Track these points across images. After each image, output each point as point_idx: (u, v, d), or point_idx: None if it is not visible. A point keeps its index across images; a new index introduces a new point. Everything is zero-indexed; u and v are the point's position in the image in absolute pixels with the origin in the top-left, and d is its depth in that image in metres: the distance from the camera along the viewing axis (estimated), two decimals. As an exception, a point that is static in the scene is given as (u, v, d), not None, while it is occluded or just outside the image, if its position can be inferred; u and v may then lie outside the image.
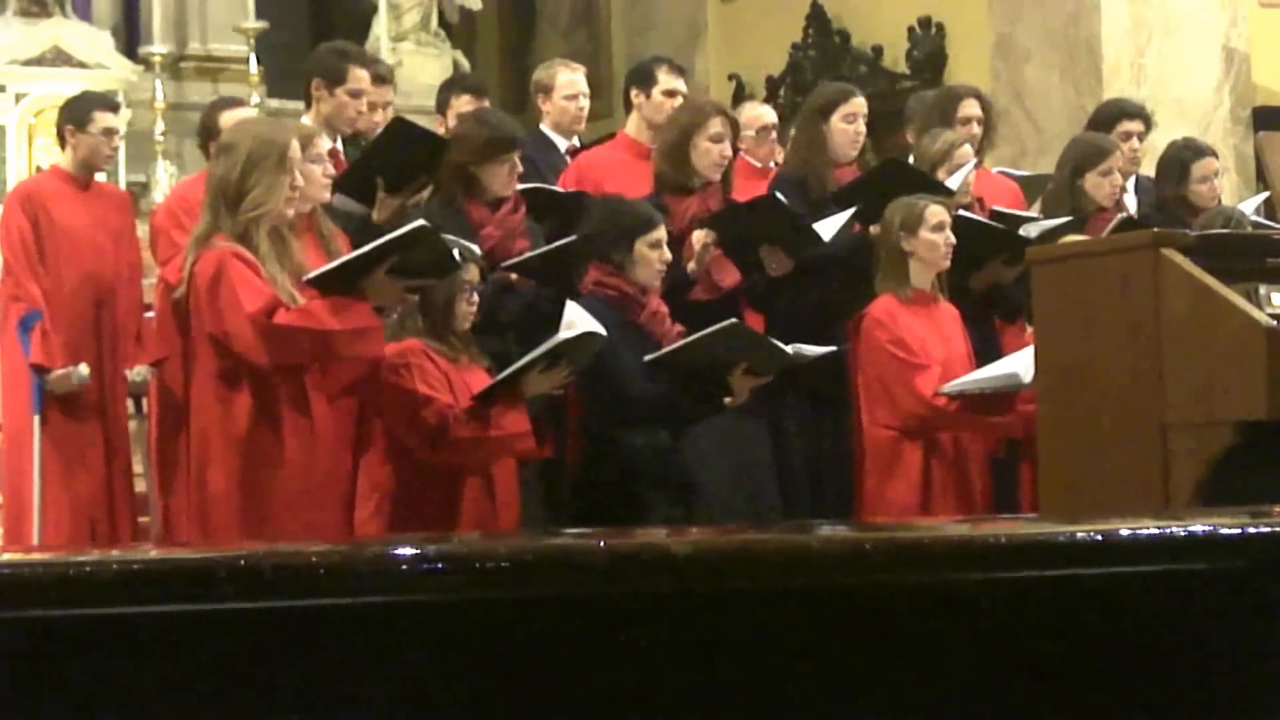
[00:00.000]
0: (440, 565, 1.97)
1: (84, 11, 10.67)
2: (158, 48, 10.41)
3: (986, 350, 5.97)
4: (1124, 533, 2.20)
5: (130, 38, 10.89)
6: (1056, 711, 2.15)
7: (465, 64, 11.20)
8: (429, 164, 5.70)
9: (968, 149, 6.47)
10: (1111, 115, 7.16)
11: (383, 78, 6.77)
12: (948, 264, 5.90)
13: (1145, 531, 2.21)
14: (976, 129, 6.85)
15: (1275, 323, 4.41)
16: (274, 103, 9.80)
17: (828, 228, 5.88)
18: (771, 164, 6.83)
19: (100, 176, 7.23)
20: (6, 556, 2.44)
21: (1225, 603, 2.21)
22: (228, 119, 6.28)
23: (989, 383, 5.66)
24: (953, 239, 5.86)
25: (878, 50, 10.69)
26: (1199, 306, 4.46)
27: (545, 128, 6.89)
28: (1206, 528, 2.21)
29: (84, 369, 6.66)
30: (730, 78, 11.35)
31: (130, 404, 7.11)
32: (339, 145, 5.97)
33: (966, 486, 5.81)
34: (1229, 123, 9.00)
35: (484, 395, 4.97)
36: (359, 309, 4.69)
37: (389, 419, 5.01)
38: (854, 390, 5.95)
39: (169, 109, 10.30)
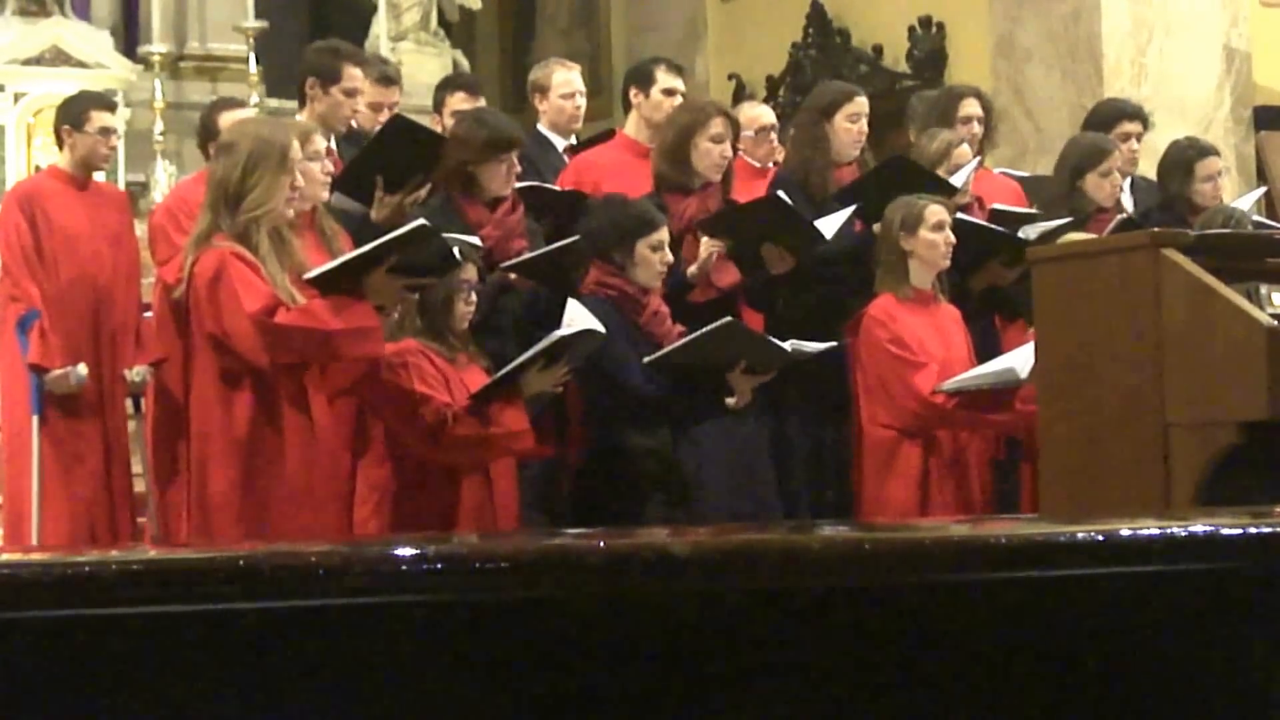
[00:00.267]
0: (440, 565, 1.97)
1: (83, 11, 10.67)
2: (157, 47, 10.41)
3: (988, 350, 5.98)
4: (1124, 533, 2.20)
5: (129, 37, 10.89)
6: (1057, 712, 2.14)
7: (465, 63, 11.20)
8: (428, 163, 5.70)
9: (966, 148, 6.47)
10: (1110, 116, 7.16)
11: (389, 78, 6.78)
12: (948, 263, 5.91)
13: (1146, 532, 2.20)
14: (977, 128, 6.86)
15: (1276, 323, 4.41)
16: (273, 102, 9.79)
17: (829, 225, 5.88)
18: (770, 164, 6.82)
19: (99, 176, 7.23)
20: (5, 557, 2.43)
21: (1226, 603, 2.20)
22: (227, 120, 6.28)
23: (986, 380, 5.67)
24: (953, 238, 5.86)
25: (878, 50, 10.69)
26: (1199, 306, 4.46)
27: (542, 127, 6.90)
28: (1207, 528, 2.21)
29: (82, 369, 6.66)
30: (730, 77, 11.35)
31: (129, 404, 7.10)
32: (332, 144, 5.96)
33: (965, 486, 5.81)
34: (1230, 122, 9.00)
35: (482, 394, 4.97)
36: (359, 308, 4.68)
37: (387, 418, 5.01)
38: (853, 390, 5.95)
39: (168, 109, 10.29)
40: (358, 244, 4.98)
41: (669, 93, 6.68)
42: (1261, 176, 8.89)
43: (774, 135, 6.88)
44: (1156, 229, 5.25)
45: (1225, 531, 2.21)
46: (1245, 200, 7.10)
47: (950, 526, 3.13)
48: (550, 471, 5.64)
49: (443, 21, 11.43)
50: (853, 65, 10.68)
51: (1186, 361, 4.47)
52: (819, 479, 6.12)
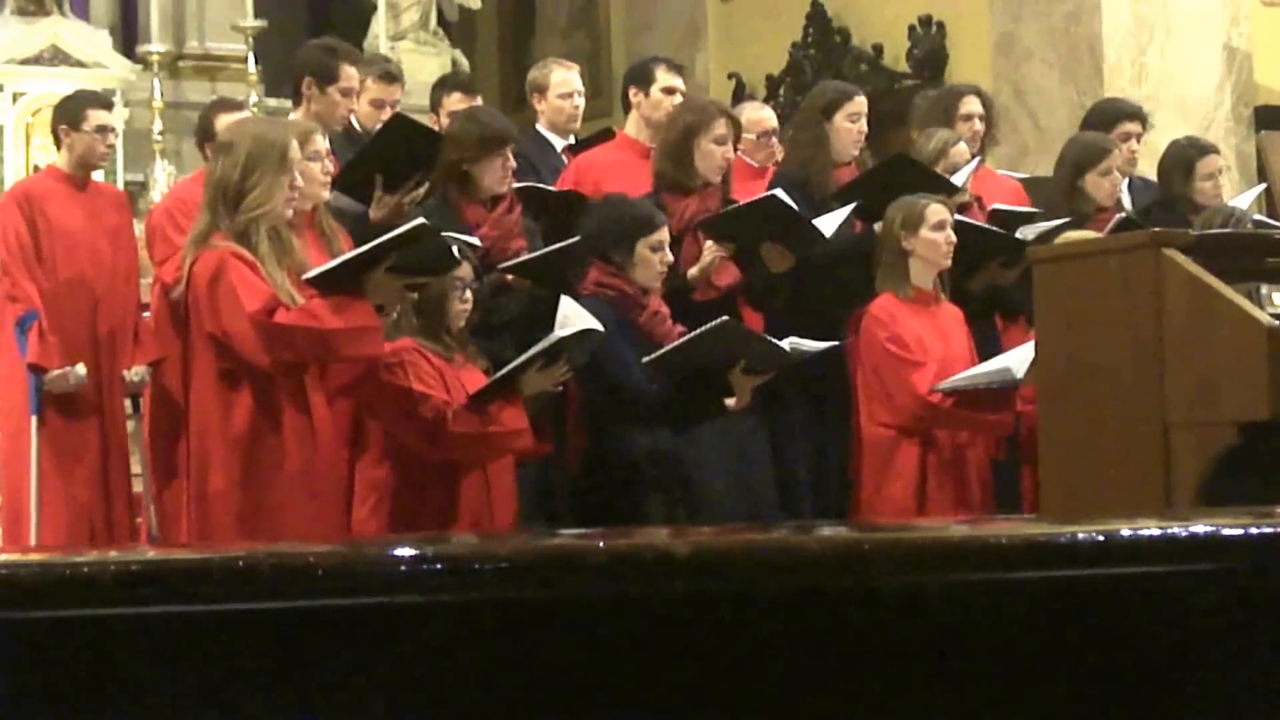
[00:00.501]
0: (439, 566, 1.97)
1: (82, 10, 10.67)
2: (156, 46, 10.40)
3: (990, 351, 5.97)
4: (1125, 533, 2.19)
5: (128, 36, 10.89)
6: (1057, 713, 2.14)
7: (464, 63, 11.19)
8: (427, 162, 5.70)
9: (963, 147, 6.47)
10: (1109, 116, 7.16)
11: (391, 75, 6.79)
12: (949, 263, 5.91)
13: (1146, 532, 2.20)
14: (979, 125, 6.86)
15: (1276, 322, 4.41)
16: (272, 102, 9.79)
17: (828, 223, 5.87)
18: (770, 165, 6.82)
19: (98, 176, 7.22)
20: (4, 557, 2.44)
21: (1227, 603, 2.20)
22: (225, 121, 6.28)
23: (982, 379, 5.67)
24: (954, 238, 5.86)
25: (878, 49, 10.68)
26: (1200, 306, 4.46)
27: (541, 127, 6.90)
28: (1208, 528, 2.21)
29: (81, 369, 6.65)
30: (730, 77, 11.34)
31: (128, 404, 7.09)
32: (327, 143, 5.95)
33: (964, 486, 5.81)
34: (1230, 122, 9.00)
35: (481, 393, 4.97)
36: (359, 308, 4.68)
37: (385, 418, 5.01)
38: (853, 390, 5.95)
39: (167, 108, 10.29)
40: (356, 244, 4.97)
41: (669, 91, 6.68)
42: (1262, 176, 8.89)
43: (775, 138, 6.88)
44: (1157, 229, 5.25)
45: (1226, 532, 2.21)
46: (1244, 198, 7.10)
47: (950, 527, 3.12)
48: (549, 471, 5.64)
49: (442, 21, 11.42)
50: (853, 65, 10.68)
51: (1187, 361, 4.47)
52: (819, 479, 6.12)
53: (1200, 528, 2.21)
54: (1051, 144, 7.90)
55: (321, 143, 5.17)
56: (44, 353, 6.63)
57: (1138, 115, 7.18)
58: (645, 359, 5.33)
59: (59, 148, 6.99)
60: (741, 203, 6.04)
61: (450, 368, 5.02)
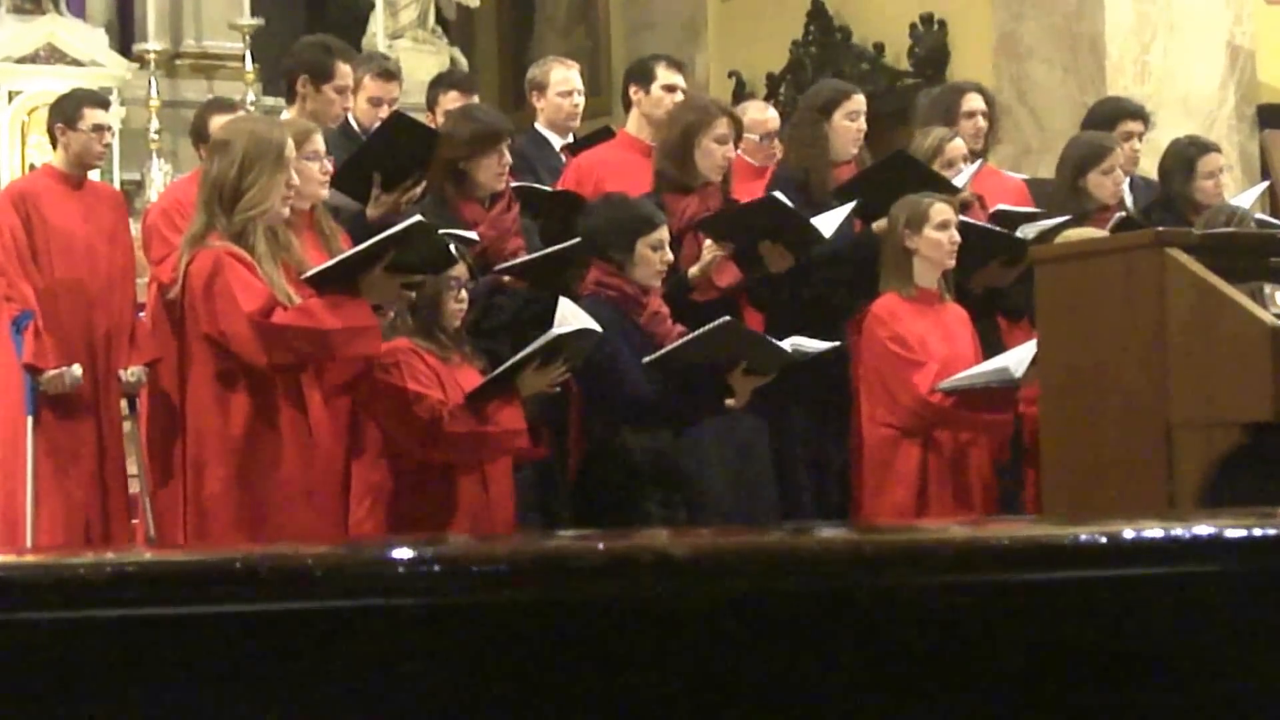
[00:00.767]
0: (437, 567, 1.96)
1: (78, 8, 10.66)
2: (152, 45, 10.39)
3: (993, 351, 5.96)
4: (1128, 535, 2.18)
5: (125, 35, 10.88)
6: (1059, 715, 2.12)
7: (463, 61, 11.20)
8: (426, 161, 5.69)
9: (959, 143, 6.47)
10: (1111, 114, 7.18)
11: (390, 73, 6.78)
12: (953, 262, 5.91)
13: (1149, 533, 2.19)
14: (981, 123, 6.86)
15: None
16: (269, 100, 9.78)
17: (828, 223, 5.86)
18: (770, 164, 6.81)
19: (94, 175, 7.21)
20: (0, 559, 2.44)
21: (1231, 605, 2.19)
22: (219, 122, 6.26)
23: (981, 378, 5.68)
24: (958, 237, 5.86)
25: (879, 47, 10.69)
26: (1203, 306, 4.46)
27: (540, 125, 6.90)
28: (1212, 530, 2.20)
29: (77, 370, 6.64)
30: (730, 75, 11.35)
31: (124, 405, 7.08)
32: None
33: (966, 487, 5.81)
34: (1234, 120, 9.00)
35: (479, 392, 4.95)
36: (357, 307, 4.69)
37: (381, 418, 5.01)
38: (855, 390, 5.94)
39: (164, 106, 10.28)
40: (355, 243, 4.97)
41: (669, 89, 6.68)
42: (1265, 174, 8.89)
43: (776, 139, 6.88)
44: (1160, 228, 5.25)
45: (1229, 533, 2.20)
46: (1247, 196, 7.11)
47: (951, 528, 3.11)
48: (548, 472, 5.63)
49: (440, 19, 11.43)
50: (854, 63, 10.68)
51: (1190, 362, 4.47)
52: (819, 480, 6.11)
53: (1203, 529, 2.20)
54: (1053, 143, 7.90)
55: (320, 142, 5.17)
56: (39, 353, 6.62)
57: (1140, 114, 7.19)
58: (646, 359, 5.32)
59: (55, 146, 6.98)
60: (741, 203, 6.04)
61: (446, 367, 5.02)
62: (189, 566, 2.00)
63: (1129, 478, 4.56)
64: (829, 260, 6.01)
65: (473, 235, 5.45)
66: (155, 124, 10.19)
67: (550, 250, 5.63)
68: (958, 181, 6.20)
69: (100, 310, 6.83)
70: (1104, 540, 2.14)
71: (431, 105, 7.15)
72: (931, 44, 10.35)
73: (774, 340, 5.49)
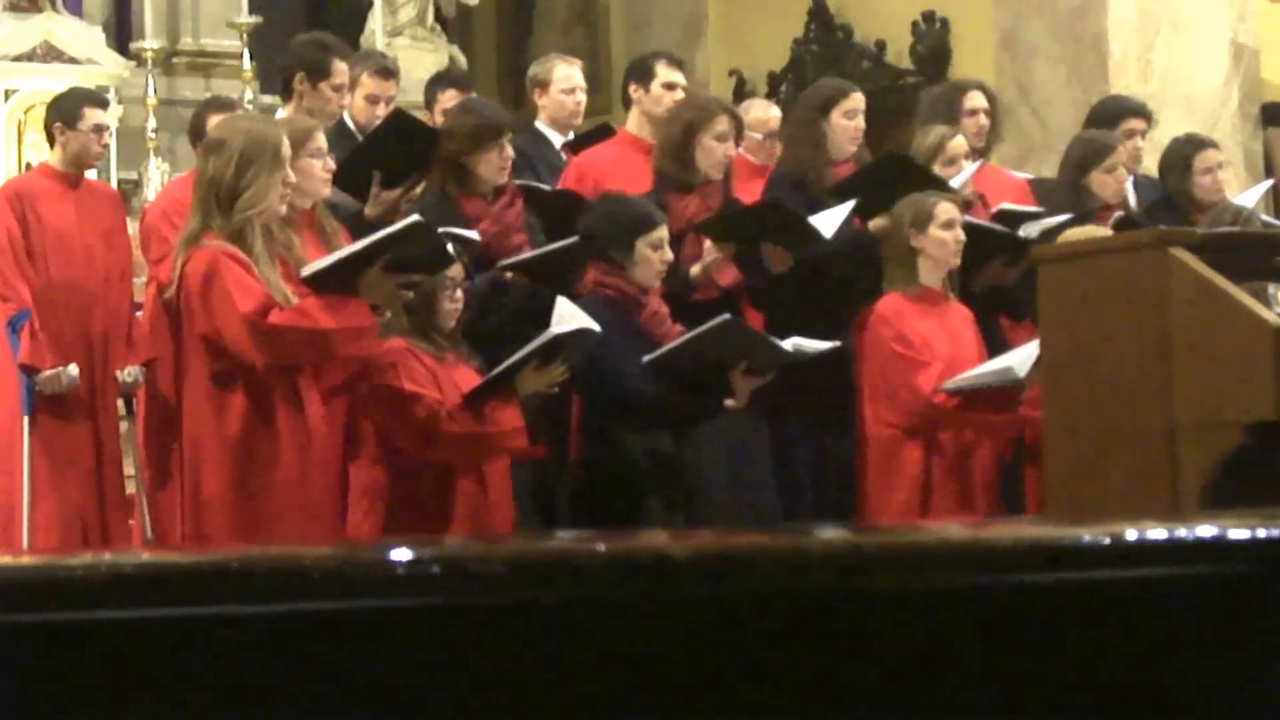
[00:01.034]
0: (437, 569, 1.94)
1: (75, 6, 10.65)
2: (150, 43, 10.39)
3: (997, 351, 5.96)
4: (1130, 535, 2.16)
5: (122, 33, 10.87)
6: (1059, 715, 2.10)
7: (461, 59, 11.21)
8: (426, 159, 5.68)
9: (960, 141, 6.47)
10: (1114, 113, 7.19)
11: (388, 71, 6.78)
12: (957, 262, 5.91)
13: (1152, 534, 2.17)
14: (983, 120, 6.86)
15: (1283, 322, 4.39)
16: (267, 99, 9.77)
17: (828, 223, 5.85)
18: (771, 163, 6.81)
19: (91, 174, 7.20)
20: (-5, 559, 2.44)
21: (1233, 606, 2.17)
22: (215, 121, 6.24)
23: (984, 379, 5.68)
24: (962, 236, 5.86)
25: (881, 45, 10.69)
26: (1206, 306, 4.46)
27: (541, 123, 6.89)
28: (1214, 530, 2.18)
29: (74, 369, 6.64)
30: (731, 73, 11.35)
31: (121, 405, 7.07)
32: None
33: (969, 487, 5.81)
34: (1237, 119, 9.01)
35: (477, 392, 4.94)
36: (354, 307, 4.69)
37: (378, 419, 5.01)
38: (857, 390, 5.93)
39: (161, 105, 10.27)
40: (354, 240, 4.96)
41: (669, 87, 6.67)
42: (1269, 173, 8.90)
43: (778, 137, 6.88)
44: (1163, 228, 5.25)
45: (1232, 534, 2.18)
46: (1252, 194, 7.12)
47: (953, 529, 3.10)
48: (548, 472, 5.62)
49: (439, 17, 11.44)
50: (855, 61, 10.69)
51: (1193, 361, 4.47)
52: (820, 481, 6.10)
53: (1207, 530, 2.18)
54: (1056, 141, 7.91)
55: (322, 140, 5.17)
56: (36, 353, 6.62)
57: (1142, 112, 7.20)
58: (646, 358, 5.31)
59: (52, 145, 6.98)
60: (742, 205, 6.04)
61: (442, 367, 5.02)
62: (186, 568, 1.99)
63: (1132, 478, 4.56)
64: (828, 259, 5.99)
65: (473, 235, 5.44)
66: (153, 122, 10.18)
67: (548, 249, 5.62)
68: (955, 182, 6.19)
69: (97, 310, 6.83)
70: (1106, 541, 2.13)
71: (430, 103, 7.15)
72: (933, 42, 10.35)
73: (774, 340, 5.48)
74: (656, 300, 5.55)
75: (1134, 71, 8.84)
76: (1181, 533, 2.15)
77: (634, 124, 6.73)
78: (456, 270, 5.06)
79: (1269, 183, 8.13)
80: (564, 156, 6.71)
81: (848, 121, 6.40)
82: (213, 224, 4.67)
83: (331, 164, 5.20)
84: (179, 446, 4.90)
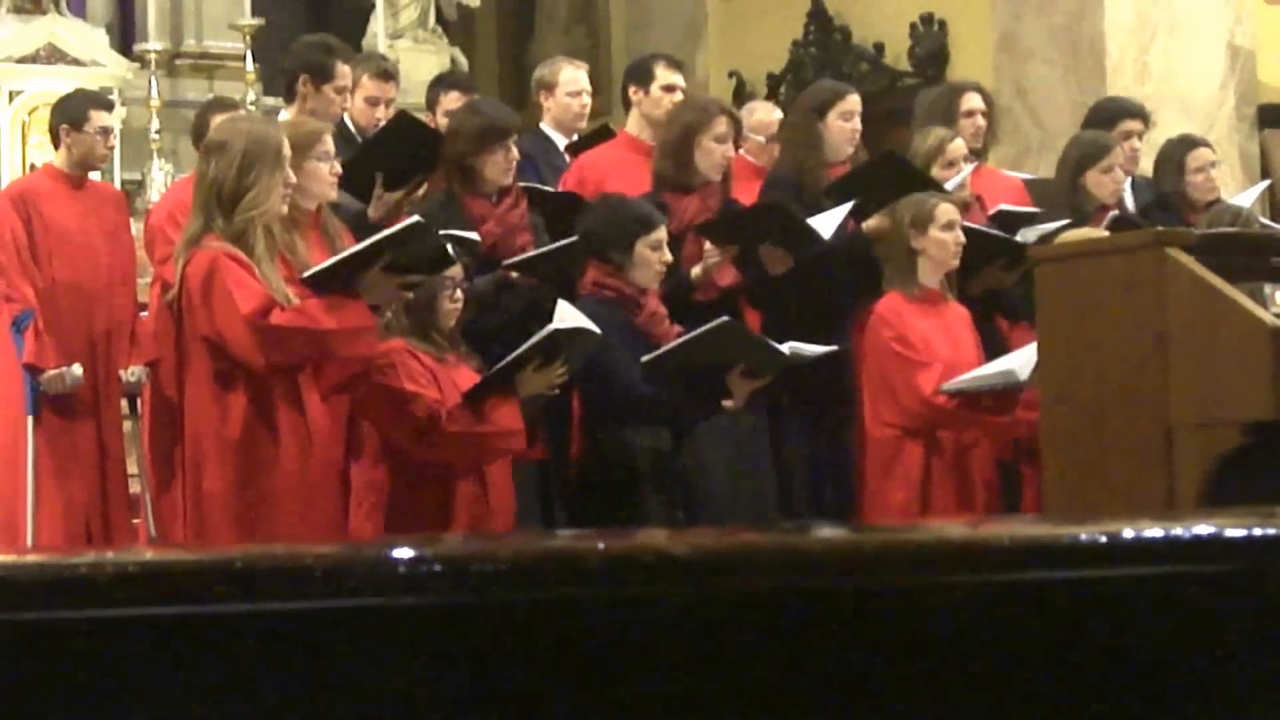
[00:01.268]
0: (438, 567, 1.94)
1: (79, 8, 10.67)
2: (153, 45, 10.40)
3: (995, 351, 5.97)
4: (1128, 534, 2.17)
5: (125, 35, 10.89)
6: (1058, 714, 2.12)
7: (463, 61, 11.21)
8: (428, 161, 5.69)
9: (960, 143, 6.47)
10: (1111, 114, 7.19)
11: (388, 73, 6.79)
12: (957, 263, 5.91)
13: (1149, 533, 2.18)
14: (980, 121, 6.86)
15: (1280, 322, 4.40)
16: (270, 100, 9.78)
17: (827, 223, 5.86)
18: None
19: (95, 175, 7.21)
20: (0, 558, 2.43)
21: (1231, 605, 2.18)
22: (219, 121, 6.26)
23: (986, 380, 5.68)
24: (962, 238, 5.86)
25: (879, 47, 10.69)
26: (1204, 306, 4.45)
27: (546, 125, 6.91)
28: (1212, 529, 2.19)
29: (77, 369, 6.65)
30: (730, 75, 11.35)
31: (124, 404, 7.09)
32: None
33: (968, 487, 5.81)
34: (1234, 120, 9.00)
35: (476, 391, 4.95)
36: (354, 307, 4.68)
37: (378, 419, 5.01)
38: (855, 390, 5.94)
39: (164, 107, 10.29)
40: (357, 240, 4.96)
41: (669, 89, 6.68)
42: (1266, 175, 8.89)
43: None
44: (1160, 228, 5.25)
45: (1229, 533, 2.19)
46: (1248, 195, 7.13)
47: (952, 527, 3.11)
48: (548, 472, 5.63)
49: (441, 19, 11.43)
50: (854, 63, 10.69)
51: (1190, 361, 4.47)
52: (817, 479, 6.11)
53: (1204, 528, 2.19)
54: (1053, 143, 7.91)
55: (330, 142, 5.14)
56: (40, 352, 6.63)
57: (1139, 113, 7.20)
58: (645, 358, 5.32)
59: (57, 146, 6.98)
60: (741, 206, 6.04)
61: (442, 367, 5.02)
62: (189, 566, 1.99)
63: (1129, 477, 4.55)
64: (825, 260, 6.00)
65: (474, 236, 5.45)
66: (156, 124, 10.20)
67: (547, 249, 5.63)
68: (950, 185, 6.19)
69: (101, 310, 6.84)
70: (1104, 540, 2.14)
71: (432, 105, 7.15)
72: (931, 44, 10.35)
73: (773, 343, 5.49)
74: (655, 301, 5.54)
75: (1131, 73, 8.84)
76: (1178, 532, 2.17)
77: (634, 126, 6.74)
78: (456, 271, 5.06)
79: (1265, 184, 8.14)
80: (567, 159, 6.72)
81: (844, 123, 6.40)
82: (214, 225, 4.66)
83: (338, 167, 5.21)
84: (181, 446, 4.91)
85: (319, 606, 1.91)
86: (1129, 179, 7.05)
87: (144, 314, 6.71)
